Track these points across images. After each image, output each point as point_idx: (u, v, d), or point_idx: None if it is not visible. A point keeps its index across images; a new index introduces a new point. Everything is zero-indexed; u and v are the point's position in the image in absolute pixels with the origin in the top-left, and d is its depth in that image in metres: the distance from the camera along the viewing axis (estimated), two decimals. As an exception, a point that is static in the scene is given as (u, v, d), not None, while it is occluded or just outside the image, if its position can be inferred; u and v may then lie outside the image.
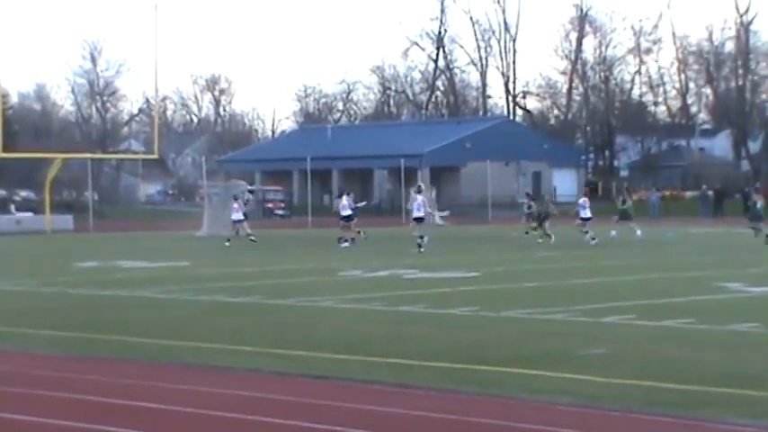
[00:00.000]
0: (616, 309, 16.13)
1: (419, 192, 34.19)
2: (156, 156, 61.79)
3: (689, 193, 79.78)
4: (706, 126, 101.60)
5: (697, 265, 26.13)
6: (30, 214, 58.63)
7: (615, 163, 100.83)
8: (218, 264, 28.48)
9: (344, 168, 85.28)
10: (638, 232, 38.74)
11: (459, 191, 78.67)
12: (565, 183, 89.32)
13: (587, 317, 15.34)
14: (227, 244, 37.01)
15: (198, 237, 44.77)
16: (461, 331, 14.13)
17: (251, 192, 55.28)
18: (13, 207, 67.57)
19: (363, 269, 24.99)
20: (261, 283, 21.99)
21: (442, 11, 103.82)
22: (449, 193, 77.76)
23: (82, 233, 50.91)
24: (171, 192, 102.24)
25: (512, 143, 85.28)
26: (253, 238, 38.51)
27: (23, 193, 76.53)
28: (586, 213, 38.07)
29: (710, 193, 71.09)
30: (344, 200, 38.00)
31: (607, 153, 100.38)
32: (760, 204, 37.73)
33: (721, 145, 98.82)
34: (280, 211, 74.33)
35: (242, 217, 39.64)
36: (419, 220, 33.72)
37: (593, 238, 35.62)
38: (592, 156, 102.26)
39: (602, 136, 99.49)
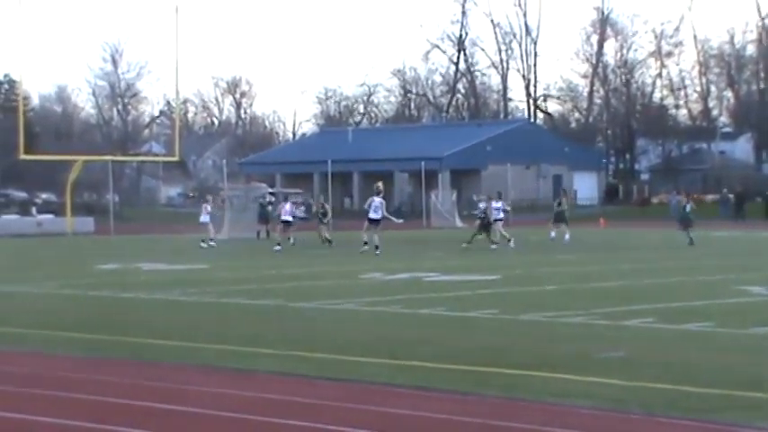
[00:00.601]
0: (636, 312, 16.10)
1: (378, 193, 33.67)
2: (176, 158, 61.97)
3: (710, 197, 79.56)
4: (727, 129, 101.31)
5: (718, 268, 26.05)
6: (51, 216, 58.92)
7: (636, 166, 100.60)
8: (238, 266, 28.54)
9: (365, 171, 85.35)
10: (567, 237, 39.25)
11: (479, 194, 78.50)
12: (585, 186, 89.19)
13: (607, 320, 15.31)
14: (202, 245, 38.05)
15: (218, 240, 44.83)
16: (482, 334, 14.12)
17: (272, 194, 55.36)
18: (34, 209, 67.91)
19: (384, 272, 25.00)
20: (282, 285, 22.02)
21: (464, 14, 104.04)
22: (469, 196, 77.72)
23: (103, 235, 51.06)
24: (191, 194, 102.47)
25: (532, 146, 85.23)
26: (213, 243, 38.87)
27: (44, 196, 76.89)
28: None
29: (731, 196, 70.89)
30: (288, 206, 38.88)
31: (628, 156, 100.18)
32: None
33: (742, 148, 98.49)
34: (300, 214, 74.42)
35: (208, 219, 39.95)
36: (374, 222, 33.09)
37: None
38: (612, 159, 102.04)
39: (623, 139, 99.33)
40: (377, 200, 33.36)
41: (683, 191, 47.43)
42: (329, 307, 17.60)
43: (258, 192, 48.47)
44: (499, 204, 38.79)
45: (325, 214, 41.68)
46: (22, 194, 78.04)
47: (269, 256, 32.82)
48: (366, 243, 33.13)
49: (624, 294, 19.52)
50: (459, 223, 60.47)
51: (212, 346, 12.99)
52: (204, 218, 40.01)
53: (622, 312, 16.11)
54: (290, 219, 38.53)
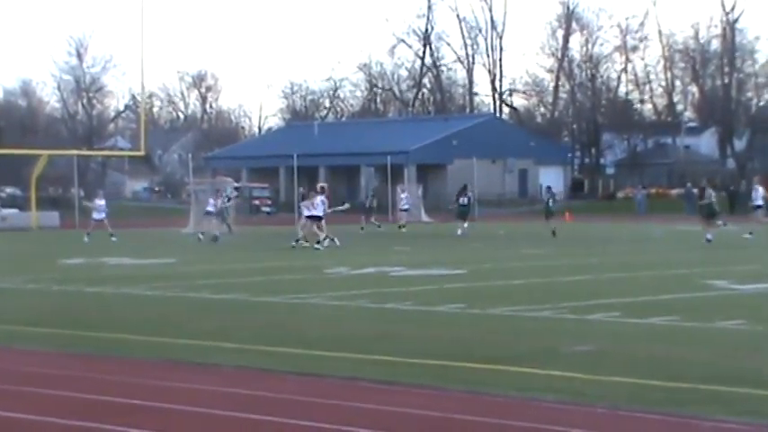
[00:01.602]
0: (602, 306, 16.17)
1: (322, 192, 34.34)
2: (142, 153, 61.78)
3: (675, 191, 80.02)
4: (692, 124, 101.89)
5: (683, 262, 26.20)
6: (15, 211, 58.51)
7: (601, 161, 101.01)
8: (204, 261, 28.47)
9: (331, 165, 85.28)
10: (459, 232, 40.93)
11: (445, 188, 78.70)
12: (551, 180, 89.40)
13: (574, 314, 15.36)
14: (85, 240, 39.32)
15: (184, 233, 44.70)
16: (448, 329, 14.13)
17: (237, 188, 55.25)
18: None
19: (350, 266, 24.99)
20: (247, 280, 21.98)
21: (429, 8, 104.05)
22: (435, 190, 77.88)
23: (68, 230, 50.77)
24: (157, 189, 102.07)
25: (498, 141, 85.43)
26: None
27: (9, 190, 76.44)
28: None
29: (696, 190, 71.26)
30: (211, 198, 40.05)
31: (593, 151, 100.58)
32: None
33: (707, 143, 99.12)
34: (266, 208, 74.36)
35: (103, 216, 41.00)
36: (315, 218, 33.48)
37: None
38: (578, 153, 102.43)
39: (589, 134, 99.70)
40: (319, 198, 33.77)
41: (710, 181, 45.68)
42: (295, 301, 17.57)
43: (222, 186, 48.24)
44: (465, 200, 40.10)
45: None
46: (-14, 189, 77.52)
47: (235, 251, 32.72)
48: (297, 241, 33.63)
49: (590, 288, 19.60)
50: (425, 218, 60.54)
51: (177, 340, 12.95)
52: (98, 215, 41.17)
53: (589, 306, 16.17)
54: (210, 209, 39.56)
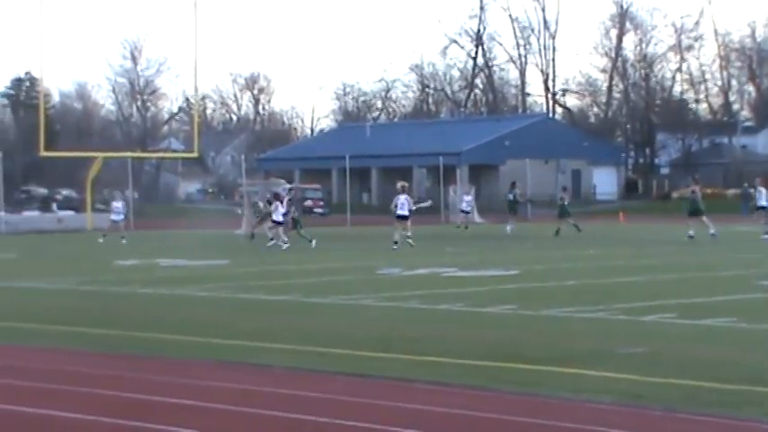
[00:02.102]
0: (656, 307, 15.98)
1: (403, 191, 34.56)
2: (195, 154, 62.10)
3: (730, 191, 79.16)
4: (748, 123, 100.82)
5: (739, 263, 25.89)
6: (71, 213, 59.10)
7: (656, 161, 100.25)
8: (257, 262, 28.54)
9: (383, 166, 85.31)
10: (508, 228, 42.42)
11: (498, 189, 78.47)
12: (605, 181, 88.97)
13: (627, 315, 15.21)
14: (100, 240, 39.78)
15: (237, 235, 44.87)
16: (500, 330, 14.04)
17: (290, 190, 55.37)
18: (54, 205, 68.13)
19: (402, 267, 24.94)
20: (300, 281, 21.99)
21: (482, 8, 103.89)
22: (488, 191, 77.61)
23: (122, 231, 51.01)
24: (210, 190, 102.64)
25: (551, 141, 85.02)
26: (124, 240, 40.10)
27: (65, 192, 77.13)
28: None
29: (752, 190, 70.47)
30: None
31: (648, 151, 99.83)
32: None
33: (764, 142, 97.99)
34: (318, 210, 74.48)
35: (121, 218, 41.91)
36: (402, 218, 33.83)
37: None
38: (632, 154, 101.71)
39: (643, 134, 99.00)
40: (402, 197, 34.17)
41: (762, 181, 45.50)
42: (347, 302, 17.55)
43: (277, 187, 48.30)
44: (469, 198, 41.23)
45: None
46: (42, 191, 78.32)
47: (288, 253, 32.78)
48: (408, 236, 33.57)
49: (644, 290, 19.39)
50: (478, 219, 60.36)
51: (229, 341, 12.96)
52: (117, 216, 41.88)
53: (642, 308, 15.99)
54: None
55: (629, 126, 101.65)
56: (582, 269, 24.57)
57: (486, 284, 20.40)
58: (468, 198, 52.28)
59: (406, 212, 33.78)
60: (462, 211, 51.23)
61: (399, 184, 35.18)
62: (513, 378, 10.28)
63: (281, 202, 35.02)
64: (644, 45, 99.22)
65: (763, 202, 39.11)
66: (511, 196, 45.19)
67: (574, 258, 28.51)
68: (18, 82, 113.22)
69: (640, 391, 9.56)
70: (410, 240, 33.28)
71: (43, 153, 54.34)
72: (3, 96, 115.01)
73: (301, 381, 10.34)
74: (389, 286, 20.47)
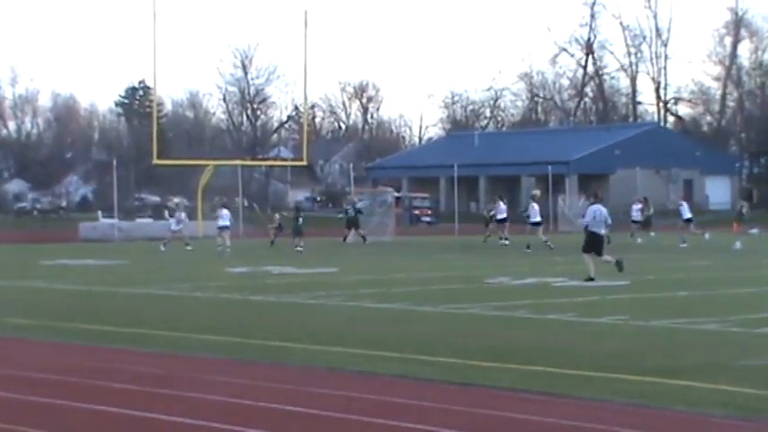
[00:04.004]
0: (772, 319, 15.62)
1: (533, 199, 39.08)
2: (304, 162, 62.55)
3: None
4: None
5: None
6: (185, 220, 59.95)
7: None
8: (365, 270, 28.62)
9: (491, 175, 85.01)
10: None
11: (607, 198, 77.49)
12: (718, 191, 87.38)
13: (741, 327, 14.89)
14: (162, 249, 40.54)
15: (346, 243, 45.09)
16: (610, 340, 13.86)
17: (398, 198, 55.49)
18: (167, 212, 69.30)
19: (510, 276, 24.79)
20: (408, 289, 21.99)
21: (592, 16, 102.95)
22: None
23: (232, 239, 51.61)
24: (319, 198, 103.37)
25: (662, 150, 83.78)
26: (162, 248, 40.84)
27: (177, 200, 78.37)
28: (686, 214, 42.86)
29: None
30: (224, 211, 40.80)
31: (763, 160, 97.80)
32: None
33: None
34: (426, 218, 74.46)
35: (181, 227, 43.24)
36: (538, 224, 38.26)
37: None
38: (747, 163, 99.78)
39: (758, 143, 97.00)
40: (536, 206, 38.46)
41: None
42: (454, 311, 17.49)
43: (383, 195, 48.53)
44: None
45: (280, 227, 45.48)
46: (155, 198, 79.75)
47: (397, 261, 32.81)
48: (529, 246, 37.03)
49: (758, 301, 18.97)
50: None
51: (337, 348, 13.00)
52: (176, 226, 43.36)
53: (757, 320, 15.65)
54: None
55: (743, 135, 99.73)
56: (693, 280, 24.15)
57: (597, 294, 20.16)
58: (637, 207, 50.27)
59: (538, 219, 37.92)
60: (633, 222, 49.46)
61: (532, 192, 37.50)
62: (624, 389, 10.13)
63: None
64: (760, 52, 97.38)
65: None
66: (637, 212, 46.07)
67: (684, 269, 28.04)
68: (132, 91, 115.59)
69: (756, 404, 9.34)
70: (549, 243, 36.87)
71: (156, 161, 55.31)
72: (117, 105, 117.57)
73: (407, 389, 10.31)
74: (498, 295, 20.35)
